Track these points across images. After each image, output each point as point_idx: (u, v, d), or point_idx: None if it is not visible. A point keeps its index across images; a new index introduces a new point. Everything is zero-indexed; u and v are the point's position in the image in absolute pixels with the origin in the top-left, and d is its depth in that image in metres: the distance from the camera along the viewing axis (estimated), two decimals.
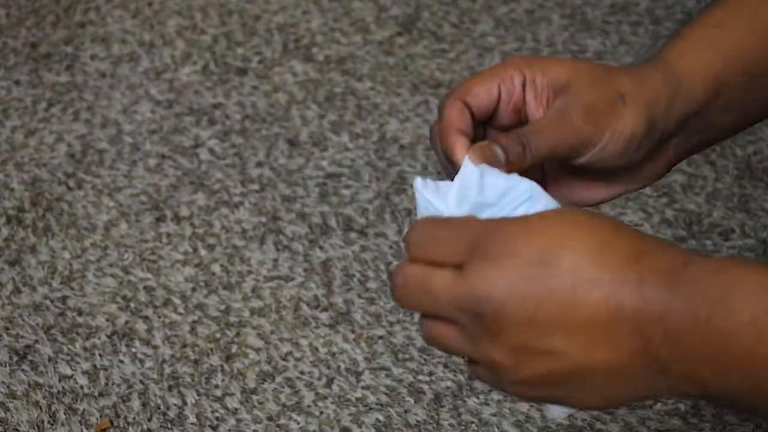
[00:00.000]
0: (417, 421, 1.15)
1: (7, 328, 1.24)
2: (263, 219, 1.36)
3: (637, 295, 0.58)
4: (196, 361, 1.21)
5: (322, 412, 1.16)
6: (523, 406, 1.15)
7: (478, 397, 1.16)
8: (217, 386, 1.18)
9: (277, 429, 1.15)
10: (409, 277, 0.63)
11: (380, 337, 1.23)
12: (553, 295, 0.59)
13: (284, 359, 1.21)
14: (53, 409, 1.16)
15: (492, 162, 0.71)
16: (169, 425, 1.15)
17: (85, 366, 1.20)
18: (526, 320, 0.59)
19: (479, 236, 0.61)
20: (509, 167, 0.72)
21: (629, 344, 0.59)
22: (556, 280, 0.59)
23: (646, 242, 0.61)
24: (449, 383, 1.18)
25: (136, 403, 1.17)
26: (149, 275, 1.29)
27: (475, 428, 1.14)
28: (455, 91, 0.74)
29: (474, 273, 0.60)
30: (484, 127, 0.77)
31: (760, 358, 0.57)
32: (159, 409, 1.16)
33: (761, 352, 0.57)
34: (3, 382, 1.19)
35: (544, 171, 0.79)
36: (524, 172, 0.72)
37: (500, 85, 0.74)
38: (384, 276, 1.29)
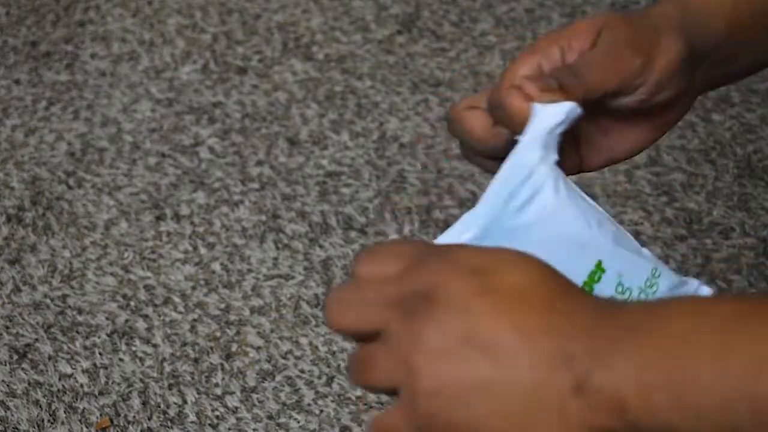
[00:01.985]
0: None
1: (7, 327, 1.24)
2: (263, 217, 1.36)
3: (557, 327, 0.56)
4: (196, 360, 1.21)
5: (322, 411, 1.16)
6: None
7: None
8: (217, 385, 1.18)
9: (277, 427, 1.15)
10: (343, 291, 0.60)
11: None
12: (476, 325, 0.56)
13: (284, 358, 1.21)
14: (53, 407, 1.16)
15: (548, 92, 0.70)
16: (169, 424, 1.15)
17: (85, 364, 1.20)
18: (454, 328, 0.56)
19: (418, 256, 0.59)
20: (564, 94, 0.71)
21: (547, 361, 0.56)
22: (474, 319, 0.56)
23: (566, 289, 0.58)
24: None
25: (136, 402, 1.17)
26: (149, 274, 1.29)
27: None
28: (505, 79, 0.72)
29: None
30: None
31: (691, 374, 0.53)
32: (159, 407, 1.16)
33: (691, 367, 0.53)
34: (3, 380, 1.19)
35: (575, 139, 0.79)
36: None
37: (541, 62, 0.74)
38: None
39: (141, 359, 1.21)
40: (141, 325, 1.24)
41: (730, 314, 0.54)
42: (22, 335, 1.23)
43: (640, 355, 0.54)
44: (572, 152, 0.77)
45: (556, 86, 0.71)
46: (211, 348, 1.22)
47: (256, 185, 1.40)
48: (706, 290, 0.72)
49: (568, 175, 0.72)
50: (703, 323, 0.54)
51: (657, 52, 0.74)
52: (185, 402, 1.17)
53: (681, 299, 0.57)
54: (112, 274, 1.30)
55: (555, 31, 0.75)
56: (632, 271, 0.73)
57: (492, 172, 0.71)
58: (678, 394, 0.54)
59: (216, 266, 1.30)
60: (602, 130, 0.78)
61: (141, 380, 1.19)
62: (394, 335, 0.57)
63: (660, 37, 0.74)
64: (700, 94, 0.80)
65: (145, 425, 1.15)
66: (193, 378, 1.19)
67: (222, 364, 1.20)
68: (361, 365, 0.59)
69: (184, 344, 1.22)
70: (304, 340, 1.22)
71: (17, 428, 1.15)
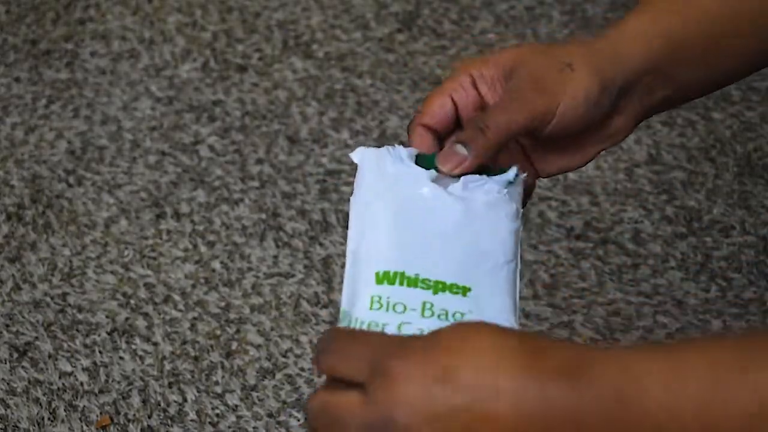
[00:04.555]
0: None
1: (7, 325, 1.24)
2: (263, 216, 1.36)
3: (541, 398, 0.57)
4: (196, 358, 1.21)
5: None
6: None
7: None
8: (217, 383, 1.18)
9: (277, 426, 1.15)
10: (320, 403, 0.62)
11: None
12: (458, 413, 0.57)
13: (284, 356, 1.21)
14: (53, 405, 1.16)
15: (459, 161, 0.74)
16: (170, 422, 1.15)
17: (86, 363, 1.20)
18: None
19: (380, 354, 0.60)
20: (476, 156, 0.74)
21: None
22: (457, 397, 0.58)
23: (541, 343, 0.59)
24: None
25: (136, 400, 1.17)
26: (149, 272, 1.29)
27: None
28: (415, 118, 0.78)
29: (377, 395, 0.59)
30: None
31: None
32: (159, 405, 1.16)
33: None
34: (3, 379, 1.19)
35: (525, 150, 0.82)
36: (502, 156, 0.78)
37: (452, 95, 0.77)
38: None
39: (141, 357, 1.21)
40: (141, 323, 1.24)
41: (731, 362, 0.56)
42: (22, 333, 1.23)
43: None
44: (527, 164, 0.81)
45: (464, 154, 0.74)
46: (211, 346, 1.22)
47: (256, 183, 1.40)
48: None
49: (528, 179, 0.78)
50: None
51: (562, 90, 0.76)
52: (185, 400, 1.17)
53: (654, 365, 0.58)
54: (112, 272, 1.30)
55: (469, 59, 0.79)
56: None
57: None
58: None
59: (216, 264, 1.30)
60: (545, 148, 0.81)
61: (141, 378, 1.19)
62: None
63: (568, 74, 0.76)
64: (646, 116, 0.82)
65: (145, 423, 1.15)
66: (193, 376, 1.19)
67: (222, 363, 1.20)
68: None
69: (184, 342, 1.22)
70: (304, 339, 1.22)
71: (17, 426, 1.15)
